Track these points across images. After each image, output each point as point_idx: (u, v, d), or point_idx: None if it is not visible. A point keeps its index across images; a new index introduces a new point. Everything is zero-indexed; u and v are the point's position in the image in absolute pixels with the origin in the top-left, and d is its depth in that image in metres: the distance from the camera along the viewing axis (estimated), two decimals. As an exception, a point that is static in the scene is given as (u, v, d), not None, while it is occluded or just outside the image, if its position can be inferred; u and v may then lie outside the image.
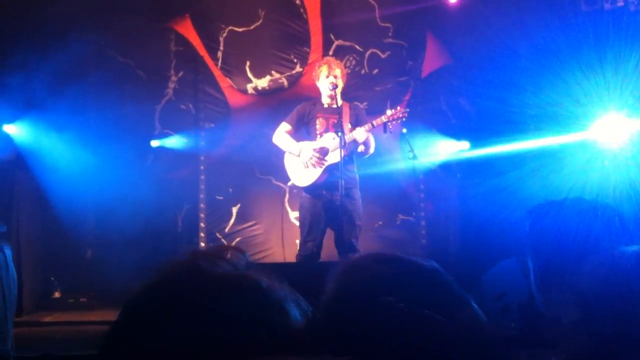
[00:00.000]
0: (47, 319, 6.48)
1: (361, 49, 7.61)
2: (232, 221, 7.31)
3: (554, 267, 1.87)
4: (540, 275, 1.95)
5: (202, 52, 7.39)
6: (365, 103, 7.29)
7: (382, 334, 1.02)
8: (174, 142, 7.28)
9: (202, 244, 7.17)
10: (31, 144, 6.75)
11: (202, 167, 7.34)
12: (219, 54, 7.40)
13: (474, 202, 6.83)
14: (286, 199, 7.36)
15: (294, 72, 7.47)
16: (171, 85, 7.36)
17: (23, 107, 6.62)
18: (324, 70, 5.91)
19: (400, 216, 7.58)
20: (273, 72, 7.44)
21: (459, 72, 7.65)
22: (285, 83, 7.46)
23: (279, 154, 6.18)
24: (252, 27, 7.40)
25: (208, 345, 0.92)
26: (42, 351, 3.95)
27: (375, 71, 7.64)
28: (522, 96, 6.60)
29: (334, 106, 5.86)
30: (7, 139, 6.70)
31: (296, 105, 6.16)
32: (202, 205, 7.28)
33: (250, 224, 7.33)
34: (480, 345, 1.07)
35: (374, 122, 5.72)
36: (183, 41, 7.40)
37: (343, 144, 5.52)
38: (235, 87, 7.41)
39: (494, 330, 1.14)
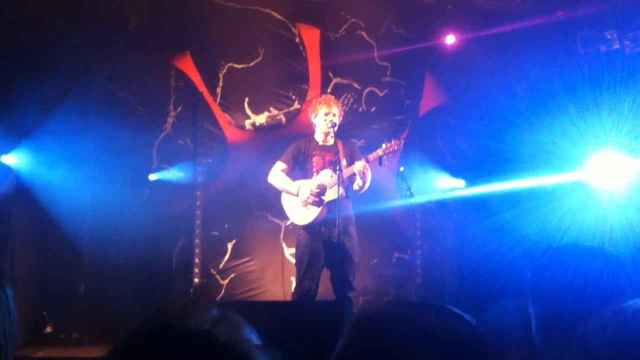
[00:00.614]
0: (39, 354, 6.38)
1: (359, 87, 7.67)
2: (227, 257, 7.25)
3: (554, 314, 1.87)
4: (541, 320, 1.94)
5: (202, 88, 7.43)
6: (363, 140, 7.33)
7: None
8: (171, 176, 7.27)
9: (197, 280, 7.11)
10: (27, 176, 6.74)
11: (198, 202, 7.31)
12: (218, 90, 7.44)
13: (470, 241, 6.82)
14: (282, 236, 7.33)
15: (292, 109, 7.51)
16: (170, 120, 7.38)
17: (20, 139, 6.62)
18: (323, 108, 5.96)
19: (396, 254, 7.55)
20: (271, 108, 7.47)
21: (456, 111, 7.72)
22: (283, 120, 7.50)
23: (276, 190, 6.18)
24: (251, 64, 7.45)
25: None
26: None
27: (373, 109, 7.69)
28: (519, 135, 6.65)
29: (329, 143, 5.90)
30: (3, 170, 6.69)
31: (293, 141, 6.18)
32: (197, 241, 7.23)
33: (245, 260, 7.27)
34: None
35: (370, 156, 5.76)
36: (183, 77, 7.44)
37: (341, 180, 5.54)
38: (233, 123, 7.43)
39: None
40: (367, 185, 5.85)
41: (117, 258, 6.56)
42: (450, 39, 7.61)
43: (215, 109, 7.44)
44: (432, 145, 7.72)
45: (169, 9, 7.28)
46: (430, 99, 7.93)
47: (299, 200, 5.89)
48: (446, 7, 7.72)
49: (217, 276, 7.18)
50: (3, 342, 3.03)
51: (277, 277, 7.19)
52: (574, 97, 6.56)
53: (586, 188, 6.51)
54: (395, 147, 5.79)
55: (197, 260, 7.19)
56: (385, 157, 5.79)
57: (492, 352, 1.19)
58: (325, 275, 5.90)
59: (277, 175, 6.02)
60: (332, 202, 5.72)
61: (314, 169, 5.95)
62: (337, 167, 5.59)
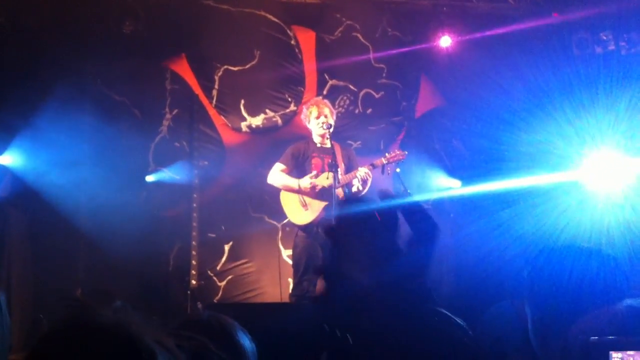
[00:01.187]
0: (35, 357, 6.34)
1: (355, 89, 7.68)
2: (224, 259, 7.24)
3: (551, 314, 1.86)
4: (538, 321, 1.94)
5: (197, 90, 7.43)
6: (359, 142, 7.34)
7: None
8: (168, 179, 7.25)
9: (194, 282, 7.09)
10: (23, 179, 6.71)
11: (195, 205, 7.30)
12: (214, 93, 7.43)
13: (466, 241, 6.81)
14: (279, 237, 7.32)
15: (288, 110, 7.51)
16: (165, 123, 7.37)
17: (12, 140, 6.60)
18: (313, 111, 6.00)
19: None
20: (267, 110, 7.47)
21: (452, 112, 7.74)
22: (280, 122, 7.49)
23: (273, 192, 6.20)
24: (247, 67, 7.46)
25: None
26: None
27: (369, 111, 7.70)
28: (515, 135, 6.66)
29: (326, 146, 5.93)
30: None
31: (289, 143, 6.21)
32: (194, 243, 7.22)
33: (242, 262, 7.26)
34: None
35: (375, 163, 5.81)
36: (178, 80, 7.44)
37: (338, 182, 5.57)
38: (229, 125, 7.43)
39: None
40: (366, 190, 5.88)
41: (114, 260, 6.55)
42: (445, 41, 7.62)
43: (211, 111, 7.44)
44: (428, 146, 7.73)
45: (164, 12, 7.27)
46: (426, 100, 7.95)
47: (298, 200, 5.92)
48: (441, 9, 7.73)
49: (215, 278, 7.17)
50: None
51: (275, 278, 7.17)
52: (570, 97, 6.58)
53: (582, 188, 6.53)
54: (400, 157, 5.85)
55: (194, 262, 7.17)
56: (388, 166, 5.84)
57: (482, 353, 1.20)
58: (322, 277, 5.88)
59: (277, 174, 6.08)
60: (330, 204, 5.74)
61: (314, 170, 5.98)
62: (335, 170, 5.63)
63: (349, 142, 7.18)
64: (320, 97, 6.44)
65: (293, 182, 6.00)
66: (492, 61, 7.29)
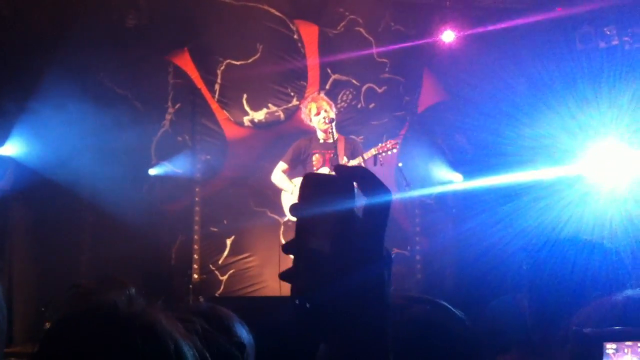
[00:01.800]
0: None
1: (358, 84, 7.67)
2: (226, 253, 7.24)
3: (553, 307, 1.85)
4: (538, 314, 1.93)
5: (200, 84, 7.42)
6: (362, 137, 7.31)
7: None
8: (170, 173, 7.26)
9: (196, 276, 7.10)
10: (26, 173, 6.72)
11: (197, 199, 7.31)
12: (217, 87, 7.43)
13: (469, 236, 6.80)
14: (281, 232, 7.31)
15: (290, 105, 7.50)
16: (168, 117, 7.37)
17: (18, 135, 6.61)
18: (312, 109, 5.99)
19: (396, 250, 7.53)
20: (270, 105, 7.47)
21: (454, 106, 7.72)
22: (282, 116, 7.49)
23: (275, 187, 6.21)
24: (250, 61, 7.45)
25: None
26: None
27: (372, 105, 7.69)
28: (518, 129, 6.64)
29: (330, 141, 5.90)
30: (1, 166, 6.68)
31: (292, 138, 6.21)
32: (196, 237, 7.22)
33: (244, 256, 7.26)
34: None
35: (365, 155, 5.78)
36: (181, 74, 7.44)
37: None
38: (231, 119, 7.42)
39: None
40: None
41: (116, 254, 6.55)
42: (448, 36, 7.60)
43: (214, 105, 7.43)
44: (431, 141, 7.72)
45: (167, 6, 7.27)
46: (429, 95, 7.94)
47: (294, 198, 5.92)
48: (445, 3, 7.72)
49: (216, 272, 7.17)
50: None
51: (276, 273, 7.12)
52: (573, 91, 6.56)
53: (585, 181, 6.51)
54: (390, 147, 5.79)
55: (196, 256, 7.18)
56: (380, 156, 5.79)
57: (480, 345, 1.20)
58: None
59: (277, 174, 6.17)
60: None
61: (315, 168, 5.99)
62: (335, 164, 5.62)
63: (352, 136, 7.18)
64: (316, 93, 6.45)
65: (288, 185, 6.08)
66: (495, 55, 7.27)
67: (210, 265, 7.19)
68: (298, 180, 6.02)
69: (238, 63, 7.45)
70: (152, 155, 7.31)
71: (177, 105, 7.40)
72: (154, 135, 7.32)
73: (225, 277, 7.16)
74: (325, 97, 6.14)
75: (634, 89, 6.27)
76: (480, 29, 7.48)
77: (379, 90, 7.74)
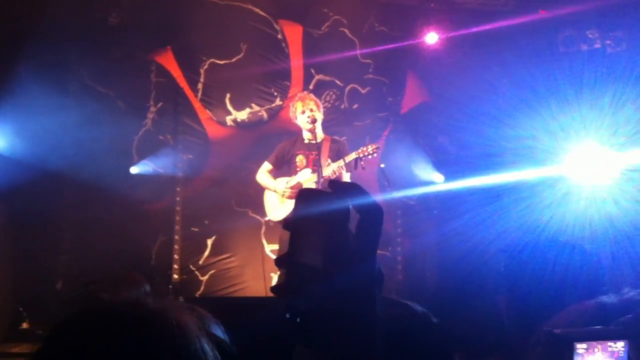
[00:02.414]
0: (15, 349, 6.28)
1: (341, 84, 7.66)
2: (206, 253, 7.19)
3: (531, 309, 1.85)
4: (516, 316, 1.92)
5: (183, 83, 7.38)
6: (345, 138, 7.29)
7: None
8: (151, 172, 7.20)
9: (176, 276, 7.05)
10: (3, 172, 6.64)
11: (178, 198, 7.25)
12: (200, 86, 7.39)
13: (450, 238, 6.81)
14: (262, 232, 7.28)
15: (273, 105, 7.47)
16: (150, 115, 7.32)
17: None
18: (298, 107, 5.97)
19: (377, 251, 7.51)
20: (253, 104, 7.44)
21: (437, 108, 7.73)
22: (265, 116, 7.46)
23: (257, 187, 6.19)
24: (233, 60, 7.41)
25: None
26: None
27: (355, 106, 7.68)
28: (500, 130, 6.67)
29: (314, 142, 5.87)
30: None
31: (275, 138, 6.21)
32: (176, 237, 7.17)
33: (225, 256, 7.21)
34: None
35: (346, 158, 5.77)
36: (164, 72, 7.39)
37: (320, 179, 5.54)
38: (214, 119, 7.38)
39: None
40: None
41: (96, 254, 6.49)
42: (432, 37, 7.62)
43: (196, 104, 7.39)
44: (413, 142, 7.71)
45: (150, 4, 7.24)
46: (412, 96, 7.94)
47: (276, 197, 5.94)
48: (429, 5, 7.73)
49: (197, 272, 7.12)
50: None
51: (258, 273, 7.12)
52: (555, 93, 6.60)
53: (567, 182, 6.54)
54: (371, 151, 5.76)
55: (176, 256, 7.12)
56: (361, 160, 5.78)
57: (451, 351, 1.19)
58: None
59: (262, 174, 6.15)
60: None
61: (298, 169, 5.97)
62: (318, 167, 5.61)
63: (335, 137, 7.17)
64: (306, 92, 6.40)
65: (271, 185, 6.07)
66: (478, 57, 7.30)
67: (191, 266, 7.14)
68: (280, 180, 6.00)
69: (222, 62, 7.42)
70: (134, 153, 7.25)
71: (160, 104, 7.35)
72: (135, 134, 7.26)
73: (206, 277, 7.11)
74: (313, 97, 6.10)
75: (614, 91, 6.32)
76: (463, 31, 7.50)
77: (363, 91, 7.73)
